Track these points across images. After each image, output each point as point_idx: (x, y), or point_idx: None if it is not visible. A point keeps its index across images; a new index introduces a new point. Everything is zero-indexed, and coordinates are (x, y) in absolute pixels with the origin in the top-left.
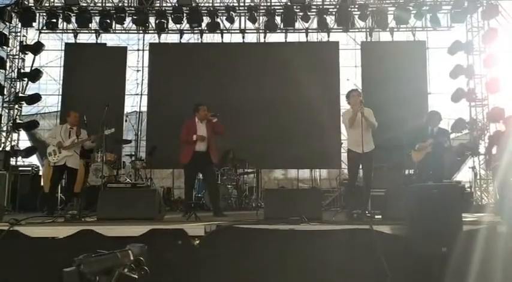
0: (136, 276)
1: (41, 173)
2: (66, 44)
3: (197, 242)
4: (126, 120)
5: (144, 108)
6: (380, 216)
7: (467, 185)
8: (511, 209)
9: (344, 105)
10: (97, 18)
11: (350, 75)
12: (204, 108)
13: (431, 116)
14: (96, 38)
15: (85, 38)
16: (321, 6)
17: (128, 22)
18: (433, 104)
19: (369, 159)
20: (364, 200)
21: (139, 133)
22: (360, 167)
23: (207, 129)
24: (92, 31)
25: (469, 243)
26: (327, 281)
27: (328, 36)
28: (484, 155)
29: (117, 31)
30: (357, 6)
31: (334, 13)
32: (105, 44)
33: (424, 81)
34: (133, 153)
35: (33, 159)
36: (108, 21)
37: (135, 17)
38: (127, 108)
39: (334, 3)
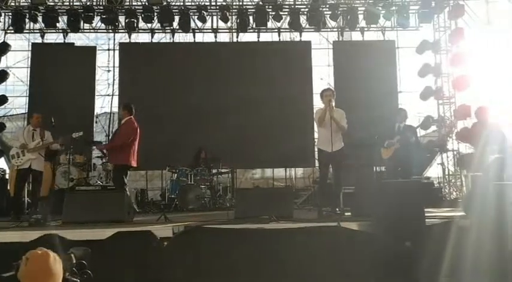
0: (79, 281)
1: (7, 176)
2: (33, 44)
3: (165, 243)
4: (96, 122)
5: (116, 109)
6: (350, 213)
7: (438, 180)
8: (479, 203)
9: (317, 104)
10: (65, 18)
11: (324, 75)
12: None
13: (397, 113)
14: (64, 38)
15: (53, 37)
16: (292, 6)
17: (97, 21)
18: (403, 102)
19: (338, 157)
20: (334, 197)
21: (110, 134)
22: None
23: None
24: (60, 31)
25: (432, 237)
26: (295, 278)
27: (301, 36)
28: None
29: (85, 30)
30: (328, 6)
31: (305, 13)
32: (73, 43)
33: (394, 80)
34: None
35: (0, 163)
36: (76, 20)
37: (104, 16)
38: (97, 109)
39: (305, 2)
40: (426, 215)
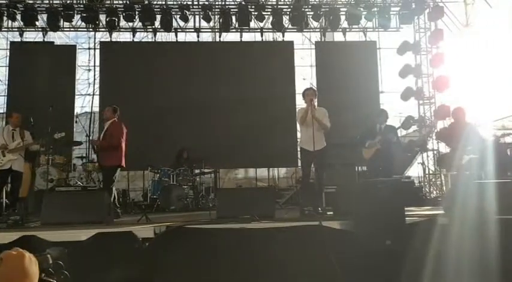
0: (55, 281)
1: None
2: (12, 43)
3: (147, 244)
4: (76, 121)
5: (96, 109)
6: (332, 213)
7: (418, 180)
8: (459, 201)
9: (300, 104)
10: (44, 16)
11: (306, 75)
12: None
13: (378, 114)
14: (44, 36)
15: (32, 36)
16: (275, 6)
17: (77, 20)
18: (385, 102)
19: (320, 157)
20: (317, 196)
21: (91, 134)
22: (313, 164)
23: (104, 131)
24: (39, 29)
25: (412, 236)
26: (277, 277)
27: (283, 36)
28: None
29: (65, 29)
30: (310, 6)
31: (288, 13)
32: (53, 42)
33: (375, 80)
34: (84, 155)
35: None
36: (56, 18)
37: (84, 15)
38: (77, 109)
39: (288, 3)
40: (406, 213)
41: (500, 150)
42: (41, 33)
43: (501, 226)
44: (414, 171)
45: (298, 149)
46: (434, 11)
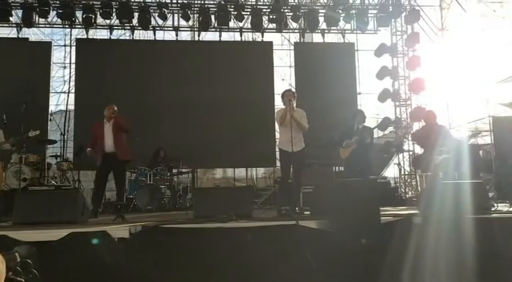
0: (23, 280)
1: None
2: None
3: (122, 244)
4: (50, 119)
5: (72, 107)
6: (309, 212)
7: (394, 180)
8: (434, 201)
9: (278, 104)
10: (18, 11)
11: (285, 75)
12: (108, 107)
13: (356, 114)
14: (18, 32)
15: (5, 32)
16: (254, 6)
17: (53, 16)
18: (362, 104)
19: (299, 157)
20: (294, 196)
21: (66, 133)
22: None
23: (112, 129)
24: (13, 25)
25: (387, 235)
26: (253, 276)
27: (262, 36)
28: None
29: (40, 25)
30: (289, 7)
31: (267, 13)
32: (28, 38)
33: (353, 82)
34: (59, 154)
35: None
36: (31, 14)
37: (60, 11)
38: (52, 107)
39: (267, 3)
40: (382, 213)
41: (473, 151)
42: (15, 29)
43: (474, 225)
44: (390, 172)
45: (277, 150)
46: (410, 14)
